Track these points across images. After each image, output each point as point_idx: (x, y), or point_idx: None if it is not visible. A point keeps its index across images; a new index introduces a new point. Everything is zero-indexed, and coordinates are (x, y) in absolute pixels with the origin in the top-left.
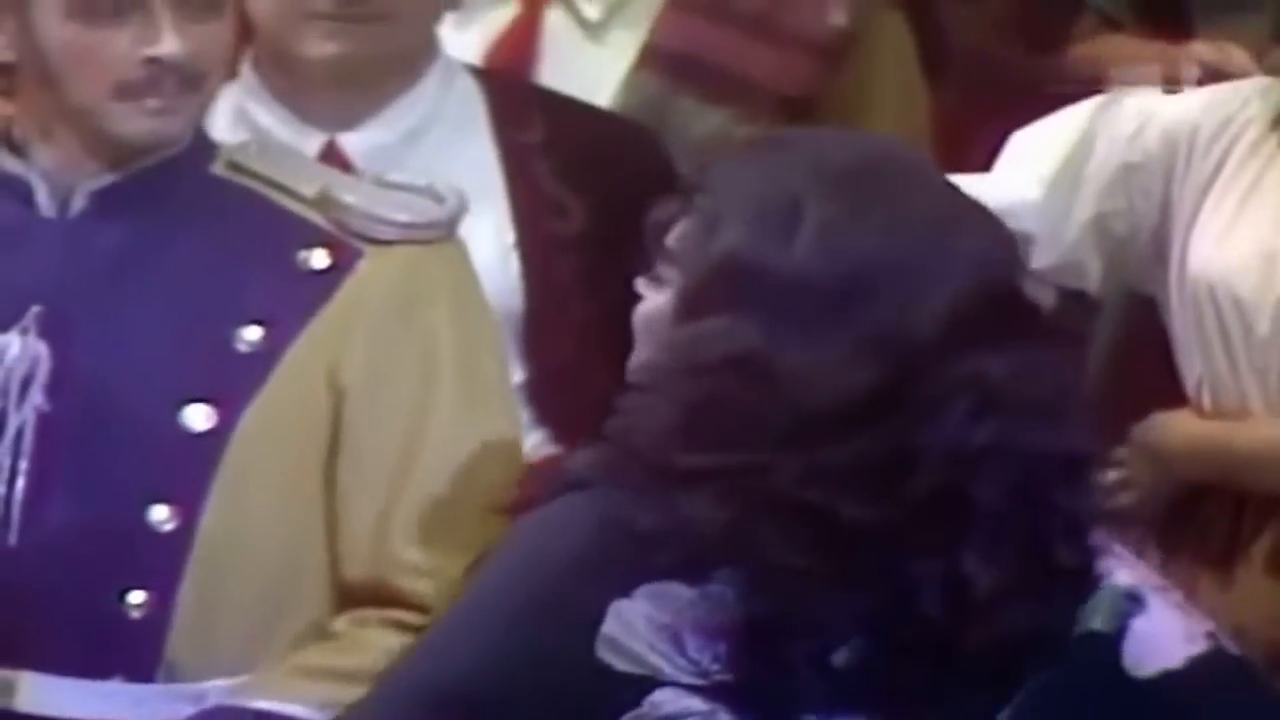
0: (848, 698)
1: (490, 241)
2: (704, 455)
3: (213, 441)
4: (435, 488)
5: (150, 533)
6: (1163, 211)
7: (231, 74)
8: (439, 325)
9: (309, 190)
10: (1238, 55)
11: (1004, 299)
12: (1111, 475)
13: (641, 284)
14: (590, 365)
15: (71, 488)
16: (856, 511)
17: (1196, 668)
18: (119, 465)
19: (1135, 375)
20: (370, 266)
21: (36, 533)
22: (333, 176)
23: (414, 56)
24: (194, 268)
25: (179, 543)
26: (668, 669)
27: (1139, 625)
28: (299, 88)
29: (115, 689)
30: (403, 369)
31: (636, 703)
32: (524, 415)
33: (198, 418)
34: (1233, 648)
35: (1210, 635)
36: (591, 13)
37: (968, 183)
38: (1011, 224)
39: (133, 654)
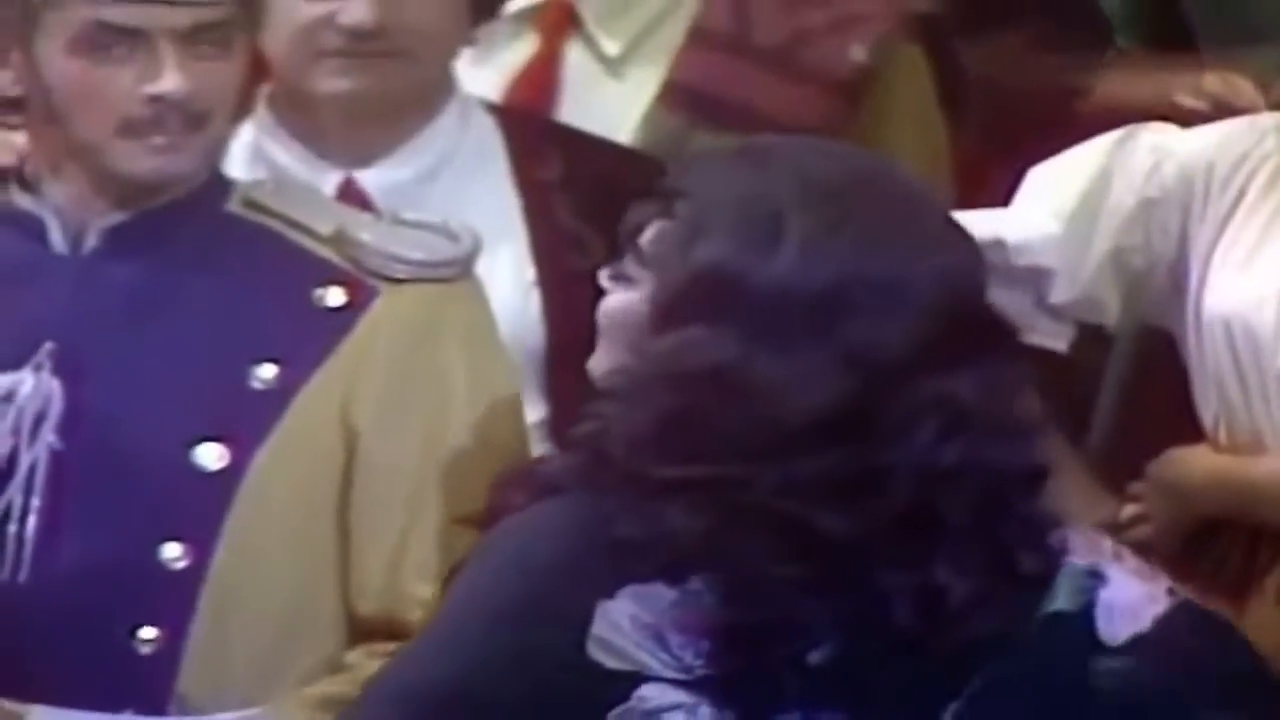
0: (824, 693)
1: (510, 278)
2: (680, 466)
3: (226, 480)
4: (447, 525)
5: (162, 570)
6: (1180, 247)
7: (247, 111)
8: (452, 363)
9: (325, 228)
10: (1244, 88)
11: (972, 314)
12: (1129, 509)
13: (605, 279)
14: None
15: (83, 525)
16: (831, 523)
17: (1163, 626)
18: (131, 503)
19: (1152, 410)
20: (385, 305)
21: (48, 570)
22: (349, 214)
23: (430, 93)
24: (208, 305)
25: (191, 579)
26: (654, 665)
27: (1105, 597)
28: (315, 125)
29: None
30: (415, 408)
31: (625, 698)
32: (545, 452)
33: (210, 456)
34: (1189, 597)
35: (1170, 591)
36: (611, 48)
37: (985, 218)
38: (1029, 259)
39: (144, 688)
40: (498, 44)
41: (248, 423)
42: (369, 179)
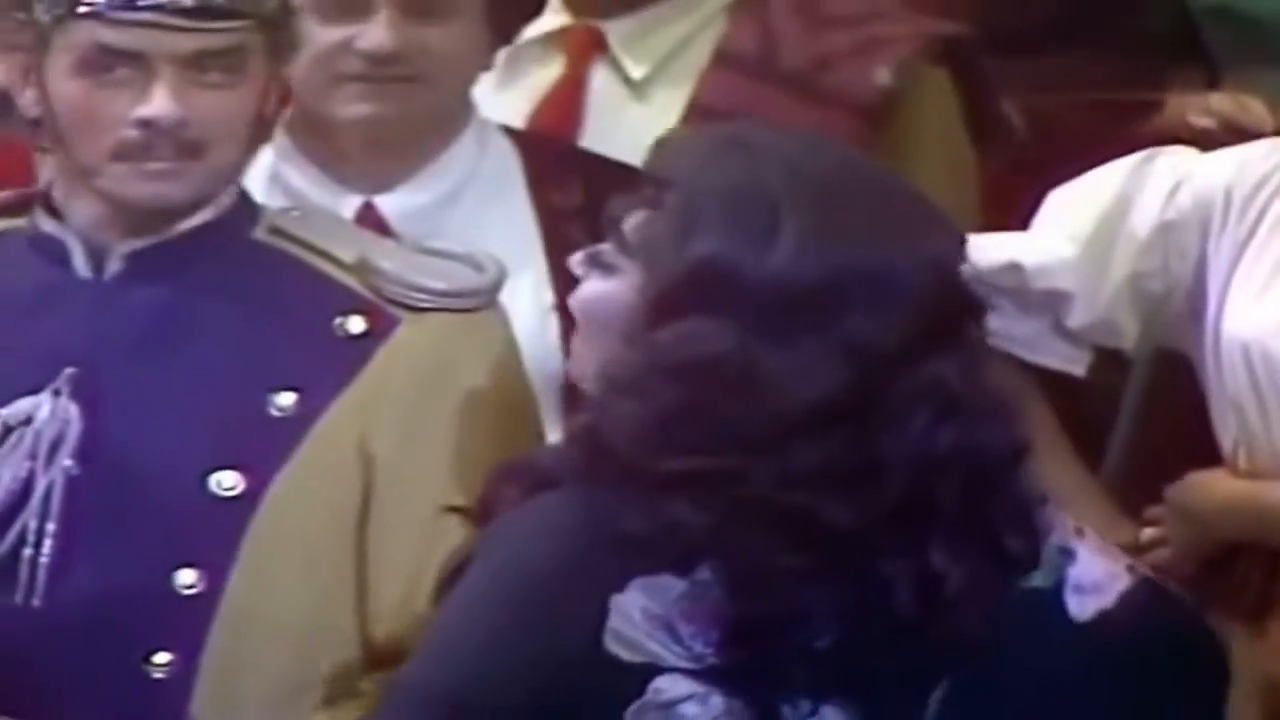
0: (829, 681)
1: (529, 304)
2: (684, 459)
3: (241, 506)
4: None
5: (176, 596)
6: (1198, 271)
7: (266, 137)
8: (472, 394)
9: (349, 256)
10: (1255, 108)
11: (955, 298)
12: (1147, 533)
13: (578, 265)
14: None
15: (98, 550)
16: (834, 513)
17: (1126, 602)
18: (146, 528)
19: (1170, 434)
20: (406, 334)
21: (62, 594)
22: (374, 242)
23: (448, 118)
24: (229, 332)
25: (205, 606)
26: (666, 656)
27: (1073, 574)
28: (333, 150)
29: None
30: (432, 438)
31: (641, 692)
32: None
33: (227, 483)
34: (1147, 571)
35: (1130, 568)
36: (636, 72)
37: (1002, 241)
38: (1047, 283)
39: (158, 714)
40: (524, 67)
41: (265, 450)
42: (387, 204)
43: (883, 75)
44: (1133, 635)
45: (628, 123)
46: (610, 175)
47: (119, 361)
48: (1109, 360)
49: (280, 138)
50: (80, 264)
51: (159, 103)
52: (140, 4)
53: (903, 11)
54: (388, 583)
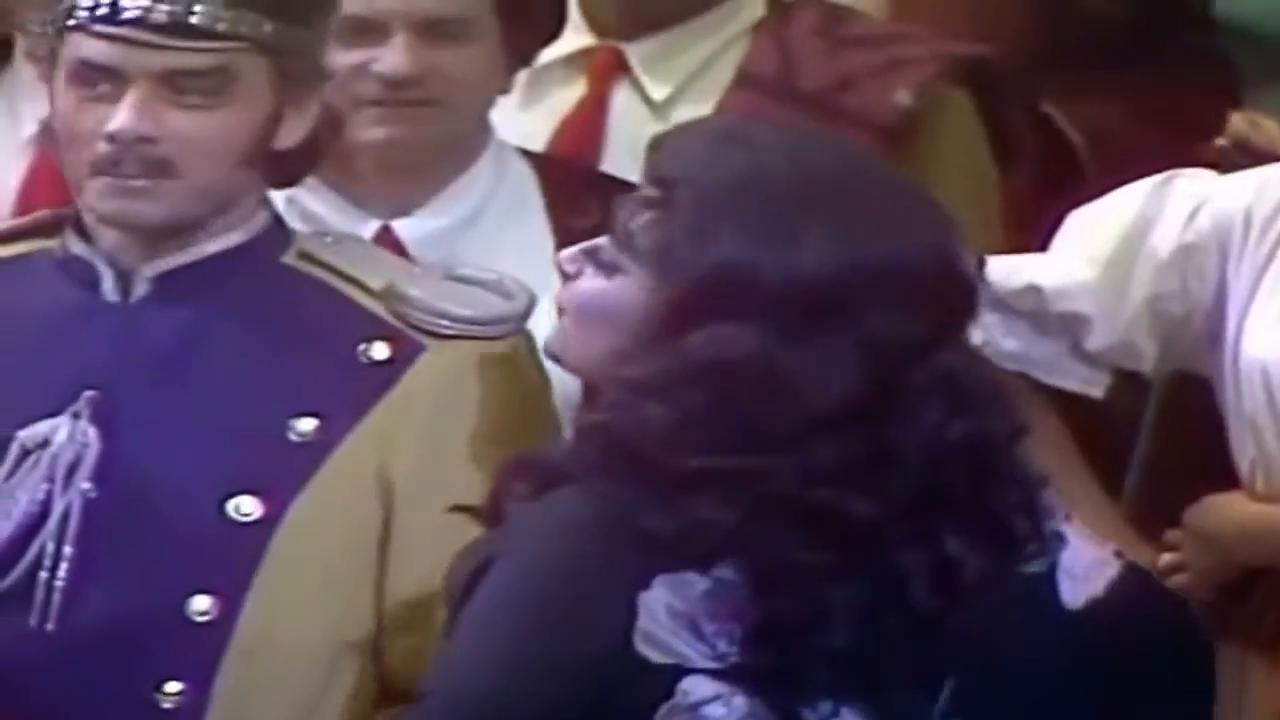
0: (849, 681)
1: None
2: (707, 457)
3: (258, 532)
4: None
5: (189, 623)
6: (1217, 293)
7: (296, 169)
8: (494, 423)
9: (377, 282)
10: (1268, 128)
11: (960, 288)
12: (1165, 558)
13: (571, 262)
14: None
15: (113, 575)
16: (858, 508)
17: (1116, 590)
18: (162, 553)
19: (1189, 456)
20: (429, 361)
21: (75, 619)
22: (403, 269)
23: (465, 142)
24: (252, 356)
25: (218, 633)
26: (692, 655)
27: (1065, 560)
28: (351, 174)
29: None
30: (454, 468)
31: (669, 694)
32: None
33: (245, 508)
34: (1130, 558)
35: (1117, 554)
36: (657, 93)
37: (1021, 263)
38: (1065, 305)
39: None
40: (546, 87)
41: (283, 475)
42: (405, 228)
43: (903, 96)
44: (1123, 625)
45: None
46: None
47: (140, 384)
48: (1129, 383)
49: None
50: (108, 287)
51: (121, 116)
52: (120, 19)
53: (923, 33)
54: (405, 614)
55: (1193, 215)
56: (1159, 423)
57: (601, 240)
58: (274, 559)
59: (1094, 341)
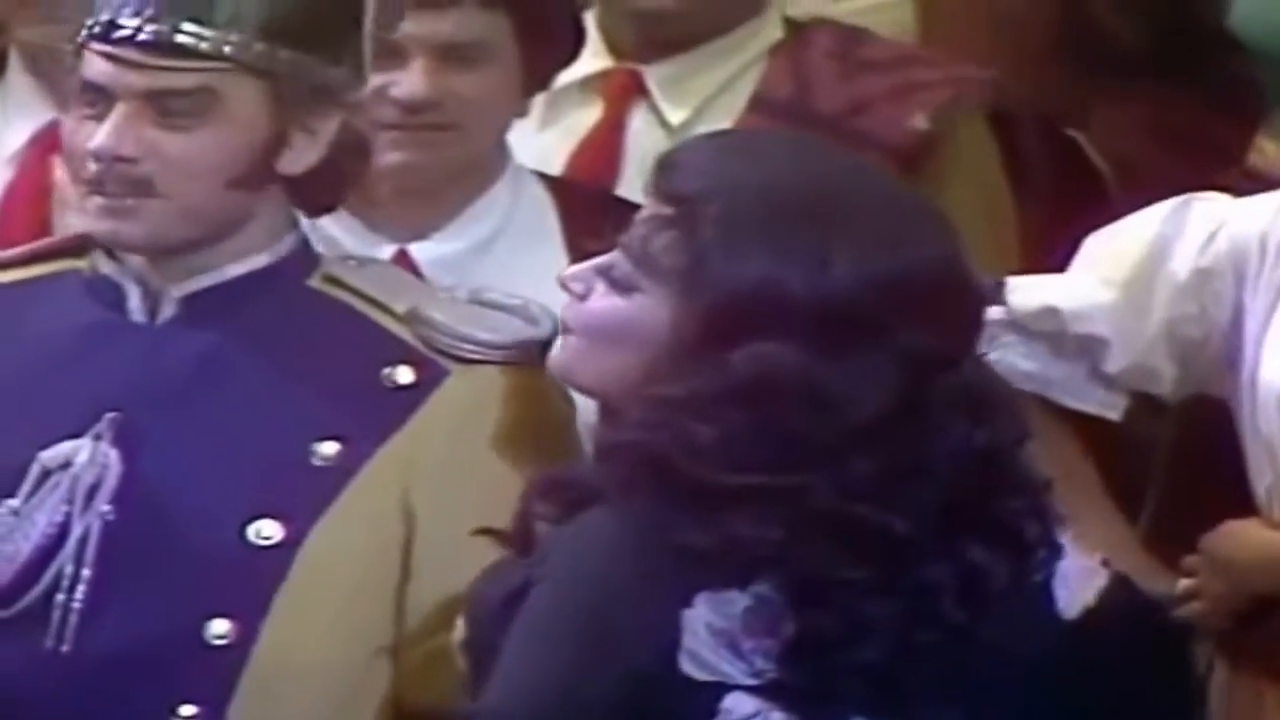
0: (882, 698)
1: None
2: (748, 475)
3: (278, 556)
4: None
5: (206, 646)
6: (1234, 317)
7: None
8: (518, 449)
9: (401, 306)
10: (1270, 151)
11: (973, 294)
12: (1183, 584)
13: (579, 281)
14: None
15: (131, 597)
16: (893, 522)
17: (1106, 599)
18: (181, 576)
19: (1206, 481)
20: (453, 385)
21: (92, 641)
22: (427, 293)
23: (482, 166)
24: (276, 379)
25: (234, 658)
26: (732, 672)
27: (1061, 568)
28: (368, 198)
29: None
30: (474, 495)
31: (713, 710)
32: None
33: (266, 532)
34: (1115, 567)
35: (1105, 563)
36: (674, 116)
37: (1039, 285)
38: (1083, 327)
39: None
40: (564, 109)
41: (305, 499)
42: (421, 252)
43: (919, 120)
44: (1113, 635)
45: None
46: None
47: (163, 406)
48: (1147, 406)
49: None
50: (136, 307)
51: (100, 135)
52: (112, 37)
53: (939, 56)
54: (423, 642)
55: (1210, 238)
56: (1177, 446)
57: (611, 257)
58: (293, 583)
59: (1112, 364)
